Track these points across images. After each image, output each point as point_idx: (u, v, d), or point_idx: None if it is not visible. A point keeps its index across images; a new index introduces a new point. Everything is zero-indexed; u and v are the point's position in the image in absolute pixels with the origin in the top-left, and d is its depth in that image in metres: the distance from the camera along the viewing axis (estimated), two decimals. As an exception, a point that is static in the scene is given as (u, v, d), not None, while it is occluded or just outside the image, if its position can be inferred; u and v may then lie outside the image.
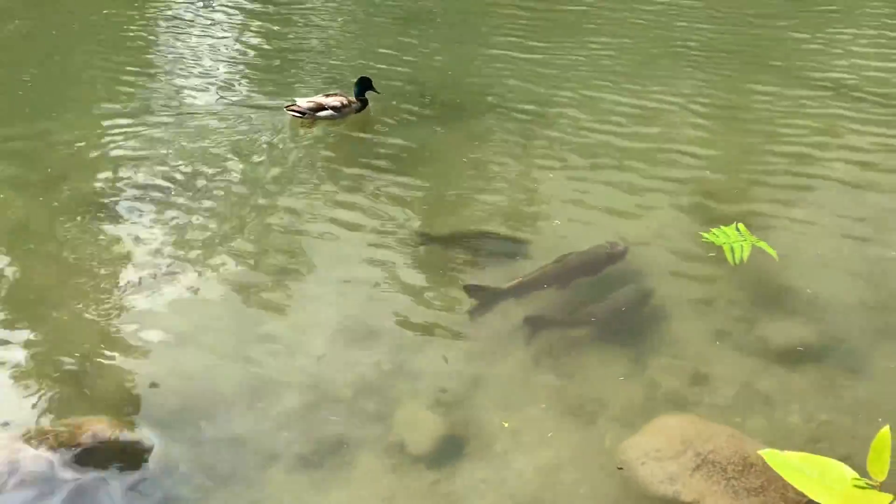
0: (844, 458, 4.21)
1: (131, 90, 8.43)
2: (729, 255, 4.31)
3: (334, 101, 7.60)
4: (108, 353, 5.00)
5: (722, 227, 4.48)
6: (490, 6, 10.93)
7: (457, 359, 4.96)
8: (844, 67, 8.92)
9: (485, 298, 5.32)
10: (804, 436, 4.43)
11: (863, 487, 1.39)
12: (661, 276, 5.60)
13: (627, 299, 5.32)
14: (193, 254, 5.89)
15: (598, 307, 5.26)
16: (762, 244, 4.48)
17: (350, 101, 7.69)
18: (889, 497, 1.42)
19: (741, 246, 4.31)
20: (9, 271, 5.73)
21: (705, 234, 4.37)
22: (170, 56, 9.39)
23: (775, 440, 4.35)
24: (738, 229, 4.44)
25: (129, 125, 7.63)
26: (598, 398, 4.68)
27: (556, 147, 7.35)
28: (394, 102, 8.04)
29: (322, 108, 7.55)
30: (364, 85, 7.71)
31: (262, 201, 6.53)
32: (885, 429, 1.48)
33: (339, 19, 10.65)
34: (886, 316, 5.28)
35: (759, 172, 6.93)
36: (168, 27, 10.21)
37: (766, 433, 4.42)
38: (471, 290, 5.38)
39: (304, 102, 7.56)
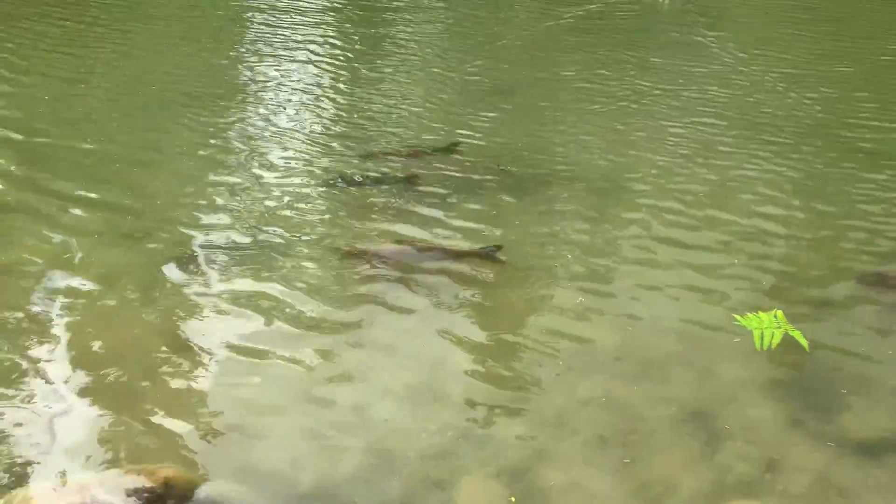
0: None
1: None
2: (757, 341, 4.24)
3: None
4: (178, 407, 5.08)
5: (759, 312, 4.42)
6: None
7: (522, 430, 4.93)
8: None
9: None
10: (883, 533, 4.24)
11: None
12: (736, 358, 5.49)
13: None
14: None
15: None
16: (796, 333, 4.39)
17: None
18: None
19: (772, 333, 4.24)
20: (94, 324, 5.88)
21: (739, 318, 4.31)
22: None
23: (851, 536, 4.18)
24: (775, 316, 4.37)
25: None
26: (665, 480, 4.57)
27: (627, 221, 7.35)
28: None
29: None
30: None
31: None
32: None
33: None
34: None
35: (842, 253, 6.79)
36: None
37: (841, 528, 4.24)
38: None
39: None
